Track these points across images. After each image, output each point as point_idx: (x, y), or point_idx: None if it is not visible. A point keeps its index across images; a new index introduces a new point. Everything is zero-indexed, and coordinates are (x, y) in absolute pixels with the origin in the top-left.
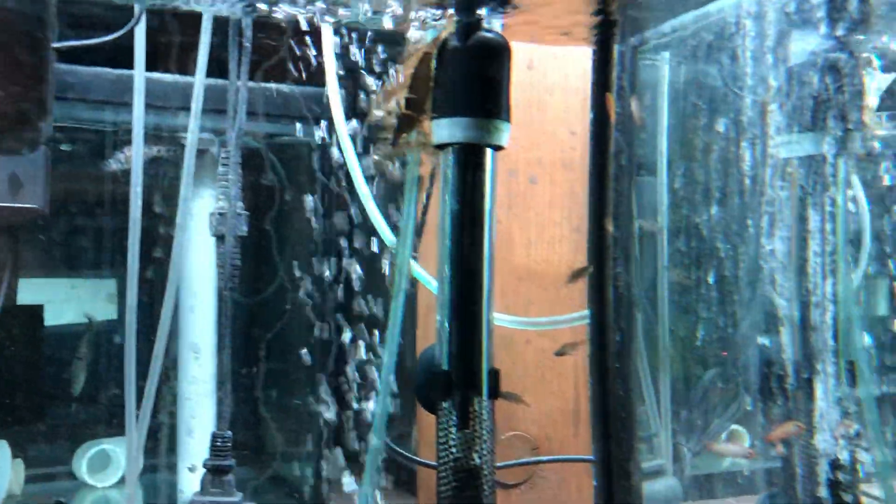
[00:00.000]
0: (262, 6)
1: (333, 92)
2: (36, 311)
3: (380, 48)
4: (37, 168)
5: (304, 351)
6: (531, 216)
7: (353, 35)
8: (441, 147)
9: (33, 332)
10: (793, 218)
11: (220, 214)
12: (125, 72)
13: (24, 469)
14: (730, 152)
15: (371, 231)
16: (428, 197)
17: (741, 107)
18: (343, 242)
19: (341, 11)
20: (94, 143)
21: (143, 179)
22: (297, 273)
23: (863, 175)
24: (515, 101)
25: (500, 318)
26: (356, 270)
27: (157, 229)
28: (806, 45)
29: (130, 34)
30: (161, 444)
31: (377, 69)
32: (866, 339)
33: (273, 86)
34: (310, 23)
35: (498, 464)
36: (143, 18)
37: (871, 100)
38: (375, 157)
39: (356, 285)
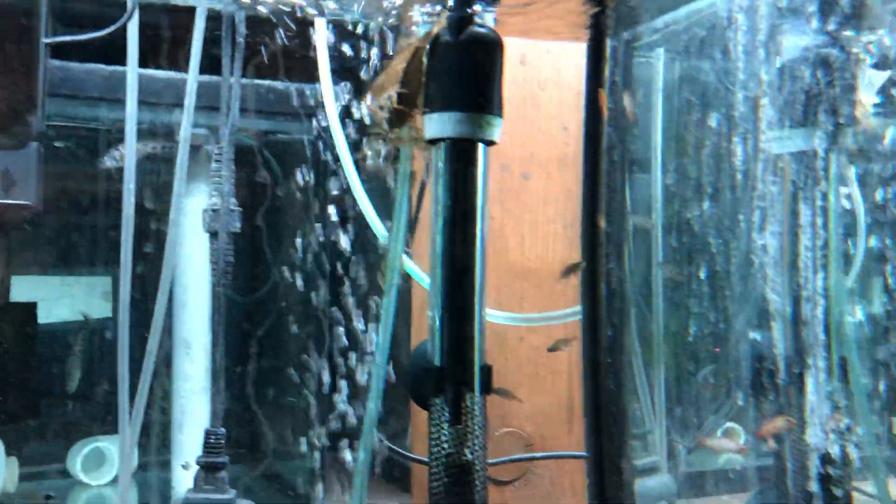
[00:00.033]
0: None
1: (327, 87)
2: (29, 309)
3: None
4: (29, 164)
5: (298, 348)
6: (524, 212)
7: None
8: (433, 142)
9: (27, 329)
10: (784, 213)
11: (214, 211)
12: (118, 68)
13: (18, 467)
14: (722, 148)
15: (365, 227)
16: (421, 192)
17: (733, 102)
18: (337, 238)
19: (332, 5)
20: (87, 140)
21: (138, 176)
22: (290, 270)
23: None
24: (508, 96)
25: (492, 315)
26: (350, 265)
27: (151, 226)
28: (798, 40)
29: (123, 30)
30: (154, 441)
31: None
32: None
33: (266, 82)
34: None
35: (491, 460)
36: (136, 14)
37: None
38: (367, 152)
39: (349, 281)
